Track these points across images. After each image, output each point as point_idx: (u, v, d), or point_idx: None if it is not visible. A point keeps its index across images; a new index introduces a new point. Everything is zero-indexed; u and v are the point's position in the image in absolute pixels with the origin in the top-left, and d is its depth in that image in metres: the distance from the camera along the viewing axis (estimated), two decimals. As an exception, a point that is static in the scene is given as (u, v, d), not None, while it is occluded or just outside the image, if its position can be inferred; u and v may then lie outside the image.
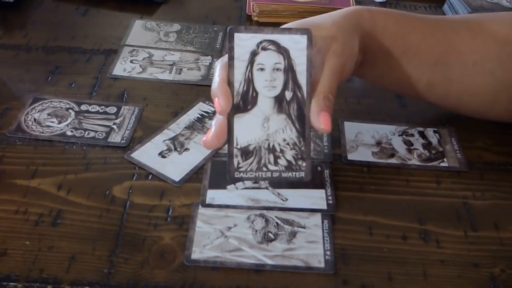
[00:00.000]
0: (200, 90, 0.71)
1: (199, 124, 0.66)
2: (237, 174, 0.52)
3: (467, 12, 0.85)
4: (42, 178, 0.58)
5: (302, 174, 0.52)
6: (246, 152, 0.52)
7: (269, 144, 0.52)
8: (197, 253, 0.51)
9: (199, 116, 0.67)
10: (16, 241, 0.52)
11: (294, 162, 0.52)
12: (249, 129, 0.51)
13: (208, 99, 0.69)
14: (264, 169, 0.52)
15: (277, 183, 0.58)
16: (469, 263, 0.52)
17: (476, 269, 0.52)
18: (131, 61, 0.76)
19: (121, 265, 0.50)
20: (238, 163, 0.52)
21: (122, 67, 0.75)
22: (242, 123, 0.51)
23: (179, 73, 0.74)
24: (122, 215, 0.55)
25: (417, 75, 0.61)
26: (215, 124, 0.52)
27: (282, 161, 0.52)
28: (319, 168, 0.60)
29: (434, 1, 0.95)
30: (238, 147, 0.51)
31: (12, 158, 0.61)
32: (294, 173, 0.52)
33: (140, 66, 0.75)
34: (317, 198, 0.57)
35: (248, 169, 0.52)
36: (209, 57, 0.78)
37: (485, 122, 0.66)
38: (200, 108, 0.68)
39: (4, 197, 0.56)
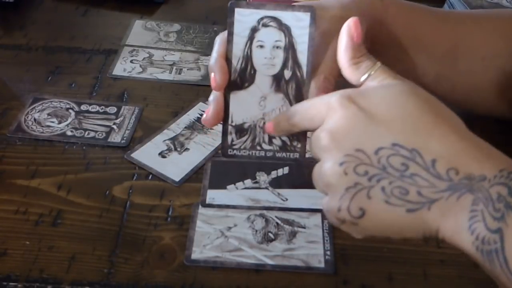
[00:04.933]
0: (200, 90, 0.71)
1: (199, 124, 0.66)
2: (230, 151, 0.51)
3: (467, 12, 0.85)
4: (42, 178, 0.58)
5: (297, 155, 0.51)
6: (240, 130, 0.51)
7: (264, 123, 0.51)
8: (197, 253, 0.51)
9: (199, 116, 0.67)
10: (16, 241, 0.52)
11: (289, 143, 0.51)
12: (245, 107, 0.50)
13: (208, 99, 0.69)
14: (258, 147, 0.51)
15: (277, 183, 0.58)
16: (469, 263, 0.52)
17: (476, 269, 0.51)
18: (131, 61, 0.76)
19: (121, 265, 0.50)
20: (232, 140, 0.51)
21: (122, 67, 0.75)
22: (238, 100, 0.50)
23: (179, 73, 0.74)
24: (122, 215, 0.55)
25: (425, 67, 0.61)
26: (213, 101, 0.50)
27: (276, 141, 0.51)
28: (319, 168, 0.60)
29: (434, 1, 0.94)
30: (233, 124, 0.51)
31: (12, 158, 0.61)
32: (288, 153, 0.51)
33: (140, 66, 0.75)
34: (317, 198, 0.57)
35: (242, 147, 0.51)
36: (209, 57, 0.77)
37: (485, 122, 0.66)
38: (200, 108, 0.68)
39: (4, 197, 0.56)
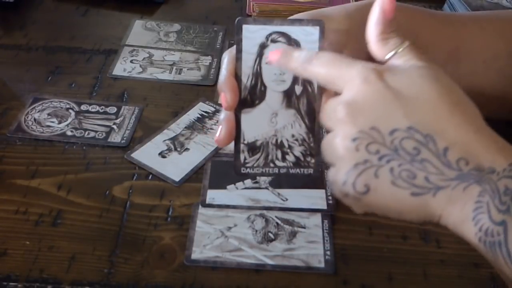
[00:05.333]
0: (200, 90, 0.71)
1: (199, 124, 0.66)
2: (243, 170, 0.50)
3: (467, 12, 0.85)
4: (42, 178, 0.58)
5: (311, 170, 0.51)
6: (253, 148, 0.50)
7: (277, 140, 0.51)
8: (197, 253, 0.51)
9: (199, 116, 0.67)
10: (16, 241, 0.52)
11: (302, 159, 0.51)
12: (257, 124, 0.50)
13: (208, 99, 0.69)
14: (272, 165, 0.51)
15: (277, 183, 0.58)
16: (469, 263, 0.52)
17: (476, 269, 0.52)
18: (131, 61, 0.76)
19: (121, 265, 0.50)
20: (245, 159, 0.50)
21: (122, 67, 0.75)
22: (249, 118, 0.50)
23: (179, 73, 0.74)
24: (122, 215, 0.55)
25: None
26: (224, 120, 0.49)
27: (290, 157, 0.51)
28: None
29: (434, 1, 0.95)
30: (245, 142, 0.50)
31: (12, 158, 0.61)
32: (302, 169, 0.51)
33: (140, 66, 0.75)
34: (317, 198, 0.57)
35: (255, 165, 0.51)
36: (209, 57, 0.78)
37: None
38: (200, 108, 0.68)
39: (4, 197, 0.56)
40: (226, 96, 0.48)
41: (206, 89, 0.71)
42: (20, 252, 0.51)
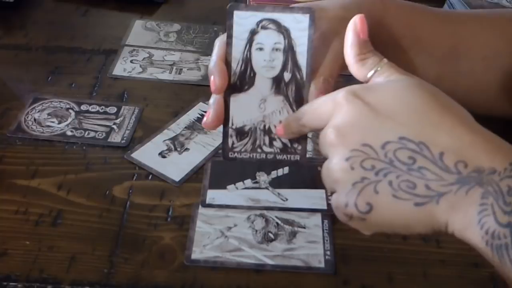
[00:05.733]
0: (200, 90, 0.71)
1: (199, 124, 0.66)
2: (231, 154, 0.51)
3: (467, 12, 0.85)
4: (42, 178, 0.58)
5: (297, 157, 0.51)
6: (241, 133, 0.51)
7: (264, 126, 0.51)
8: (197, 253, 0.51)
9: (199, 116, 0.67)
10: (16, 241, 0.52)
11: (289, 145, 0.51)
12: (245, 110, 0.50)
13: (208, 99, 0.69)
14: (259, 150, 0.51)
15: (277, 183, 0.58)
16: (469, 263, 0.52)
17: (476, 269, 0.52)
18: (131, 61, 0.76)
19: (121, 265, 0.50)
20: (233, 143, 0.51)
21: (122, 67, 0.75)
22: (238, 103, 0.50)
23: (179, 73, 0.74)
24: (122, 215, 0.55)
25: (426, 68, 0.61)
26: (213, 104, 0.50)
27: (277, 143, 0.51)
28: (319, 168, 0.60)
29: (434, 1, 0.94)
30: (234, 127, 0.51)
31: (12, 158, 0.61)
32: (289, 155, 0.51)
33: (140, 66, 0.75)
34: (317, 198, 0.57)
35: (243, 150, 0.51)
36: (209, 57, 0.77)
37: (485, 122, 0.66)
38: (200, 108, 0.68)
39: (4, 197, 0.56)
40: (215, 79, 0.48)
41: (206, 89, 0.71)
42: (20, 252, 0.51)
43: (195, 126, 0.65)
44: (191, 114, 0.67)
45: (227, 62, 0.50)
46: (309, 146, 0.62)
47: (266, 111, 0.50)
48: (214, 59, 0.50)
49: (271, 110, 0.50)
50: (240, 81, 0.50)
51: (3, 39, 0.80)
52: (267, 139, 0.51)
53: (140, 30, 0.83)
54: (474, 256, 0.53)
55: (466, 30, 0.61)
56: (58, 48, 0.78)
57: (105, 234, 0.53)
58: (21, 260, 0.50)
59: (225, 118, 0.50)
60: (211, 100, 0.50)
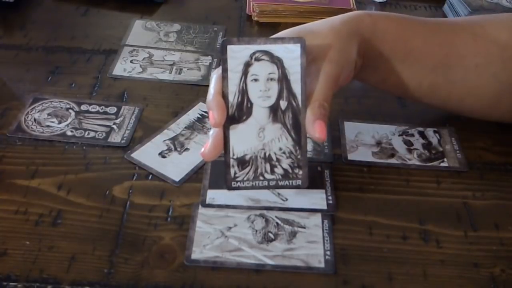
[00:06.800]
0: (200, 90, 0.71)
1: (199, 124, 0.66)
2: (234, 184, 0.53)
3: (467, 12, 0.85)
4: (42, 178, 0.58)
5: (299, 182, 0.53)
6: (242, 162, 0.52)
7: (265, 153, 0.52)
8: (197, 253, 0.51)
9: (199, 116, 0.67)
10: (16, 241, 0.52)
11: (290, 171, 0.53)
12: (245, 139, 0.52)
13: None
14: (261, 178, 0.53)
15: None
16: (469, 263, 0.52)
17: (476, 269, 0.52)
18: (131, 61, 0.76)
19: (121, 265, 0.50)
20: (235, 173, 0.52)
21: (122, 67, 0.75)
22: (237, 133, 0.52)
23: (179, 73, 0.74)
24: (122, 215, 0.55)
25: (419, 78, 0.61)
26: (212, 136, 0.52)
27: (278, 170, 0.53)
28: (319, 168, 0.60)
29: (434, 1, 0.95)
30: (235, 157, 0.52)
31: (12, 158, 0.61)
32: (290, 181, 0.53)
33: (140, 66, 0.75)
34: (317, 198, 0.57)
35: (245, 179, 0.53)
36: (209, 57, 0.78)
37: (485, 122, 0.66)
38: (200, 108, 0.68)
39: (4, 197, 0.56)
40: (214, 114, 0.50)
41: (206, 89, 0.71)
42: (20, 252, 0.51)
43: (195, 126, 0.65)
44: (191, 114, 0.67)
45: (224, 95, 0.51)
46: (309, 146, 0.62)
47: (266, 139, 0.52)
48: (212, 92, 0.52)
49: (270, 138, 0.52)
50: (238, 112, 0.51)
51: (3, 39, 0.80)
52: (268, 166, 0.53)
53: (140, 30, 0.83)
54: (474, 256, 0.53)
55: (457, 38, 0.61)
56: (58, 48, 0.78)
57: (105, 234, 0.53)
58: (21, 260, 0.50)
59: (225, 149, 0.52)
60: (210, 132, 0.52)
